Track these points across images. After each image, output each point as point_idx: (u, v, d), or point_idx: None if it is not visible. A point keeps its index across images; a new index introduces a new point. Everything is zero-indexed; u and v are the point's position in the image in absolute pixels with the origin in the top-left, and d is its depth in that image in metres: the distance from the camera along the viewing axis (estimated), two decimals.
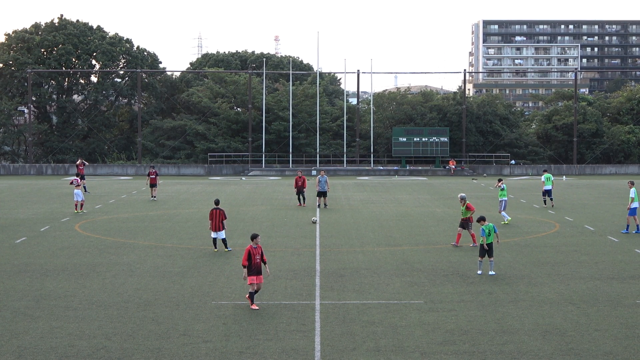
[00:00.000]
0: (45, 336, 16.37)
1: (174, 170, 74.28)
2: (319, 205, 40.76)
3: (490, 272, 22.51)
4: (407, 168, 74.43)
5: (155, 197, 45.11)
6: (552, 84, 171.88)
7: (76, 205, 38.79)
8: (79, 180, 39.89)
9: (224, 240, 26.76)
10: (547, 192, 40.87)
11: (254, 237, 18.76)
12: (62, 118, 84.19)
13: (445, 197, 47.07)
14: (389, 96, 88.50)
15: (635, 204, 31.29)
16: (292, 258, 25.42)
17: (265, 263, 18.79)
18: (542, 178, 41.36)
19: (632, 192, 31.30)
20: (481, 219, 22.85)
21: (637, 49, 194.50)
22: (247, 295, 18.77)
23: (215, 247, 26.88)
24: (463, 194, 28.45)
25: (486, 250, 22.38)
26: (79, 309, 18.59)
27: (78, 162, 53.29)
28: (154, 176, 45.08)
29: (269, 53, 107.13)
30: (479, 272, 22.58)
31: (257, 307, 18.36)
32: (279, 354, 15.21)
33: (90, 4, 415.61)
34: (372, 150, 76.91)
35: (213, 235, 26.72)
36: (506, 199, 35.27)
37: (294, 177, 51.23)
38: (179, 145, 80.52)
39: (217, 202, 27.11)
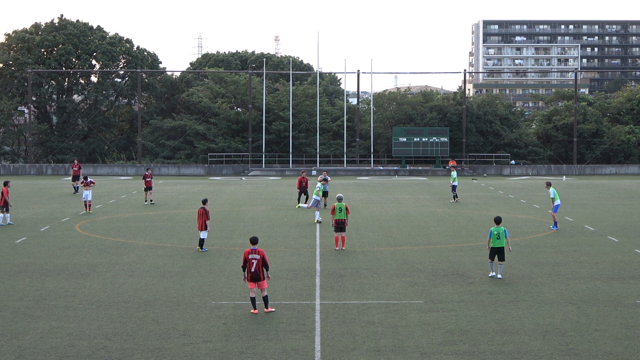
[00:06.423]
0: (45, 336, 16.37)
1: (174, 170, 74.24)
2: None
3: (497, 276, 22.09)
4: (407, 168, 74.38)
5: (152, 200, 42.93)
6: (552, 84, 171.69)
7: (85, 205, 38.73)
8: (86, 180, 39.27)
9: (202, 240, 26.64)
10: (453, 188, 44.62)
11: (252, 242, 18.31)
12: (62, 118, 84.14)
13: (446, 197, 47.04)
14: (389, 96, 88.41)
15: (557, 202, 32.88)
16: (292, 258, 25.42)
17: (267, 269, 18.18)
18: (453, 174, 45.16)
19: (552, 192, 33.01)
20: (497, 220, 22.21)
21: (637, 49, 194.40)
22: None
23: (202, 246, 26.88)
24: (340, 195, 27.88)
25: (496, 253, 21.98)
26: (79, 309, 18.59)
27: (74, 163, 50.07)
28: (149, 179, 42.72)
29: (269, 53, 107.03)
30: (492, 274, 22.14)
31: (257, 312, 18.12)
32: (279, 354, 15.21)
33: (90, 4, 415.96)
34: (372, 150, 76.84)
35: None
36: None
37: (294, 177, 51.37)
38: (179, 145, 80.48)
39: (204, 202, 26.98)
